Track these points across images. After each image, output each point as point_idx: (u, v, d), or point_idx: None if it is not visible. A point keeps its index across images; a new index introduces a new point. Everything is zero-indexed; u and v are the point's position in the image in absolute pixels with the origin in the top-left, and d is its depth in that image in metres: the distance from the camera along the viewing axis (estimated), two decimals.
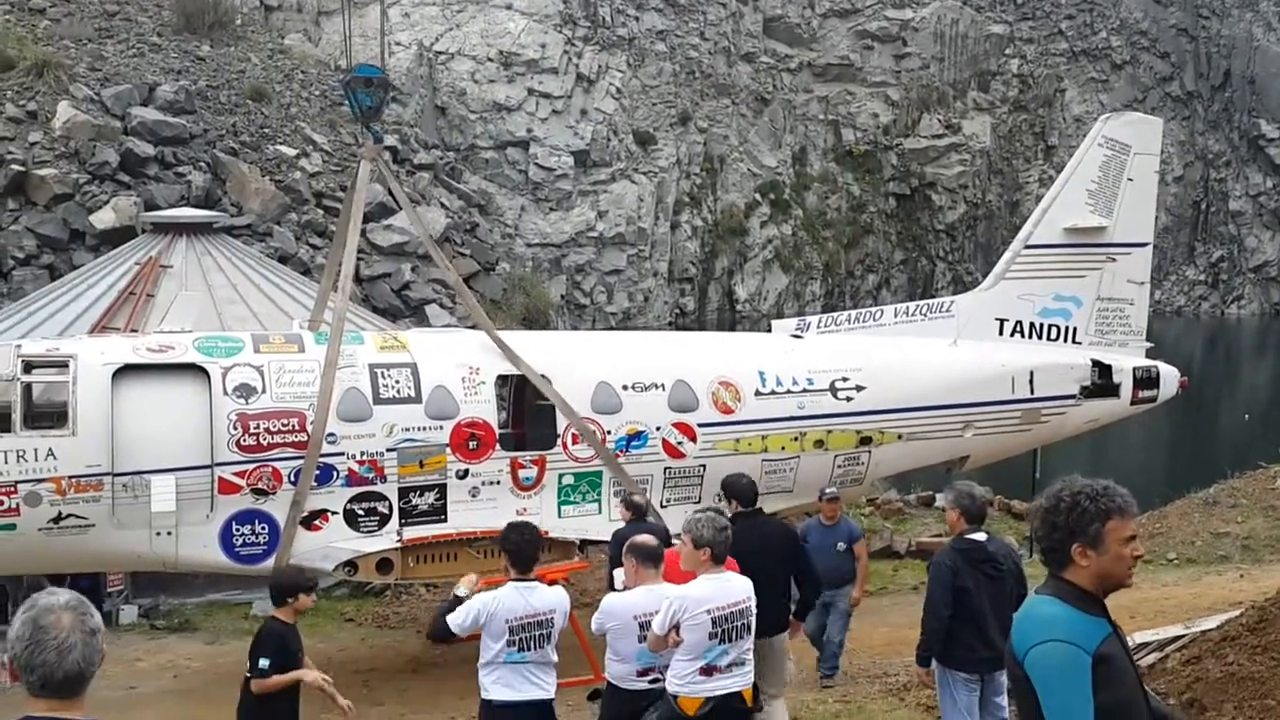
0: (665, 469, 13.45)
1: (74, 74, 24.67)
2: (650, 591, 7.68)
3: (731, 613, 7.20)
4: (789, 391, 13.99)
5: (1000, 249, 36.86)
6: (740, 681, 7.28)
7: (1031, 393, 15.22)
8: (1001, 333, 15.57)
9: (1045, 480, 17.13)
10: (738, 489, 9.47)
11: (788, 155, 46.57)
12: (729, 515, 8.82)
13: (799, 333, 15.54)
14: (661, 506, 13.43)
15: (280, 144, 26.14)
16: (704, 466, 13.58)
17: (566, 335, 17.98)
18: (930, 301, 16.58)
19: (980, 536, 8.39)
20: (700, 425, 13.53)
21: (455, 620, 7.57)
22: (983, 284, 16.32)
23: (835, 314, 16.69)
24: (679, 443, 13.46)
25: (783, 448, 13.92)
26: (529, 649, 7.48)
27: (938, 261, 58.20)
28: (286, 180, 25.51)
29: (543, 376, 13.34)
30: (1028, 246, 15.77)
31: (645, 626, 7.54)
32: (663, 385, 13.52)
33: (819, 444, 14.12)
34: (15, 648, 3.56)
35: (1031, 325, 15.66)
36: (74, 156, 23.46)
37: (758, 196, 45.20)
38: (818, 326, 15.62)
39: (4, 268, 22.67)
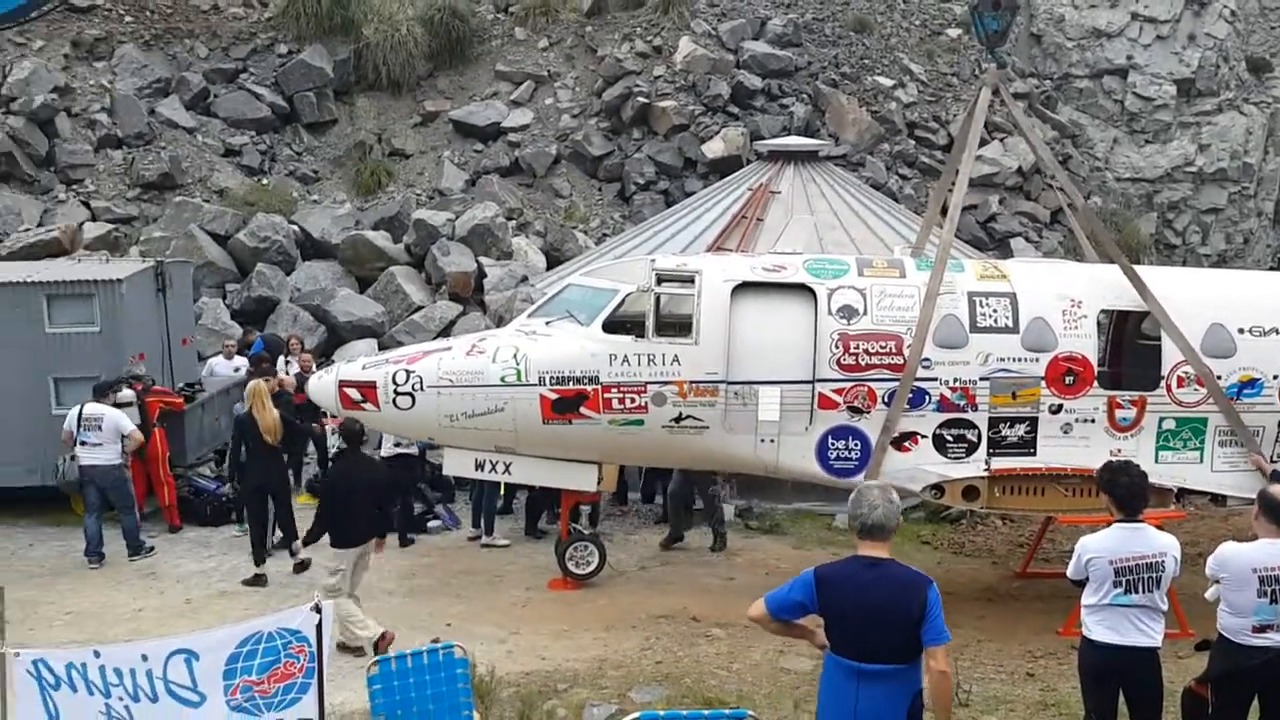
0: None
1: (695, 10, 26.58)
2: (1271, 545, 7.27)
3: None
4: None
5: None
6: None
7: None
8: None
9: None
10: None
11: None
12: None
13: None
14: (1273, 461, 12.44)
15: (878, 75, 26.58)
16: None
17: (1177, 271, 16.90)
18: None
19: None
20: None
21: (1070, 570, 7.66)
22: None
23: None
24: None
25: None
26: (1137, 591, 7.34)
27: None
28: (881, 111, 25.95)
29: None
30: None
31: (1265, 581, 7.16)
32: None
33: None
34: (849, 508, 6.14)
35: None
36: (691, 89, 25.38)
37: None
38: None
39: (626, 193, 25.14)
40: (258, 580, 12.86)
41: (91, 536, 13.49)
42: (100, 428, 13.42)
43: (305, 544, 12.16)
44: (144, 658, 6.80)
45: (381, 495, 11.41)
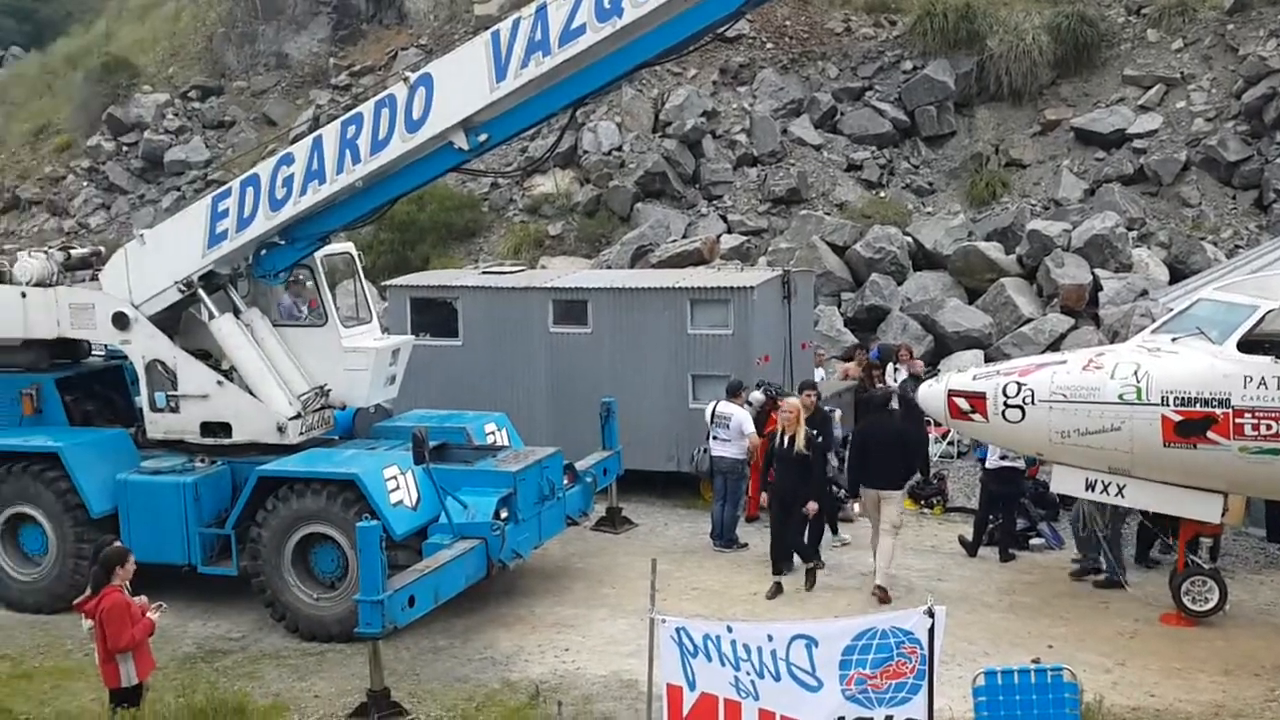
0: None
1: None
2: None
3: None
4: None
5: None
6: None
7: None
8: None
9: None
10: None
11: None
12: None
13: None
14: None
15: None
16: None
17: None
18: None
19: None
20: None
21: None
22: None
23: None
24: None
25: None
26: None
27: None
28: None
29: None
30: None
31: None
32: None
33: None
34: None
35: None
36: None
37: None
38: None
39: (1265, 201, 23.18)
40: (776, 590, 13.08)
41: (717, 521, 14.83)
42: (728, 425, 14.69)
43: (849, 493, 14.00)
44: (770, 638, 7.46)
45: (904, 447, 13.33)
